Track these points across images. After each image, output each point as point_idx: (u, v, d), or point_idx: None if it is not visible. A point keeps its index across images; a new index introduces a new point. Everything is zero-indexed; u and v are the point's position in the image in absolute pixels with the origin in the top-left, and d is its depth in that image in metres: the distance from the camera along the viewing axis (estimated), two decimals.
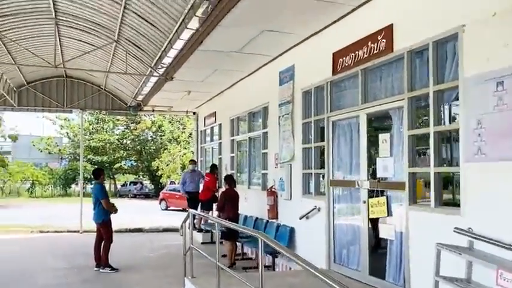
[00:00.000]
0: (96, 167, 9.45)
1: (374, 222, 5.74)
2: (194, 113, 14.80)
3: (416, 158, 5.02)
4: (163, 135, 36.48)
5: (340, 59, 6.26)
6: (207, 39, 7.13)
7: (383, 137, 5.47)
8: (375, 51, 5.52)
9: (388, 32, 5.28)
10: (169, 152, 32.69)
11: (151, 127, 36.56)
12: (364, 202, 5.77)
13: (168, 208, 25.49)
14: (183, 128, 34.46)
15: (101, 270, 8.46)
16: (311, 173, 7.19)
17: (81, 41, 10.73)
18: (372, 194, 5.64)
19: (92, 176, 10.21)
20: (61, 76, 14.32)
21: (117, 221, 15.59)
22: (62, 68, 11.67)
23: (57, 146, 40.22)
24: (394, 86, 5.37)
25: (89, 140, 35.31)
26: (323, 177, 6.87)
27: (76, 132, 36.93)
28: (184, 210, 23.55)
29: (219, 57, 8.24)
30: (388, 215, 5.35)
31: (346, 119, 6.30)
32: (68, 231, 14.57)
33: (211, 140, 13.34)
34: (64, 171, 39.33)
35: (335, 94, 6.60)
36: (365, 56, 5.72)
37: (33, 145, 40.76)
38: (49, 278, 8.14)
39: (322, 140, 6.81)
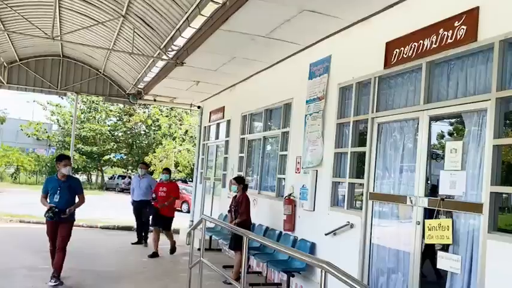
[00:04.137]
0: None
1: (428, 249, 4.73)
2: (199, 107, 13.70)
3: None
4: (158, 130, 35.22)
5: (397, 50, 5.24)
6: (234, 16, 6.07)
7: (452, 145, 4.44)
8: (449, 41, 4.51)
9: (471, 17, 4.27)
10: (164, 147, 31.49)
11: (145, 120, 35.29)
12: (419, 223, 4.74)
13: None
14: (181, 124, 33.29)
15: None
16: (344, 183, 6.14)
17: (83, 14, 9.61)
18: (428, 214, 4.63)
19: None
20: (57, 55, 13.18)
21: (108, 216, 14.50)
22: (59, 41, 10.47)
23: (47, 132, 38.83)
24: (473, 83, 4.35)
25: (79, 129, 33.98)
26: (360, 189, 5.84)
27: (67, 120, 35.59)
28: None
29: (241, 42, 7.18)
30: (452, 243, 4.33)
31: (398, 121, 5.28)
32: None
33: (217, 137, 12.24)
34: (51, 159, 37.91)
35: (384, 91, 5.56)
36: (433, 46, 4.71)
37: (21, 129, 39.29)
38: (25, 281, 6.99)
39: (363, 145, 5.77)
